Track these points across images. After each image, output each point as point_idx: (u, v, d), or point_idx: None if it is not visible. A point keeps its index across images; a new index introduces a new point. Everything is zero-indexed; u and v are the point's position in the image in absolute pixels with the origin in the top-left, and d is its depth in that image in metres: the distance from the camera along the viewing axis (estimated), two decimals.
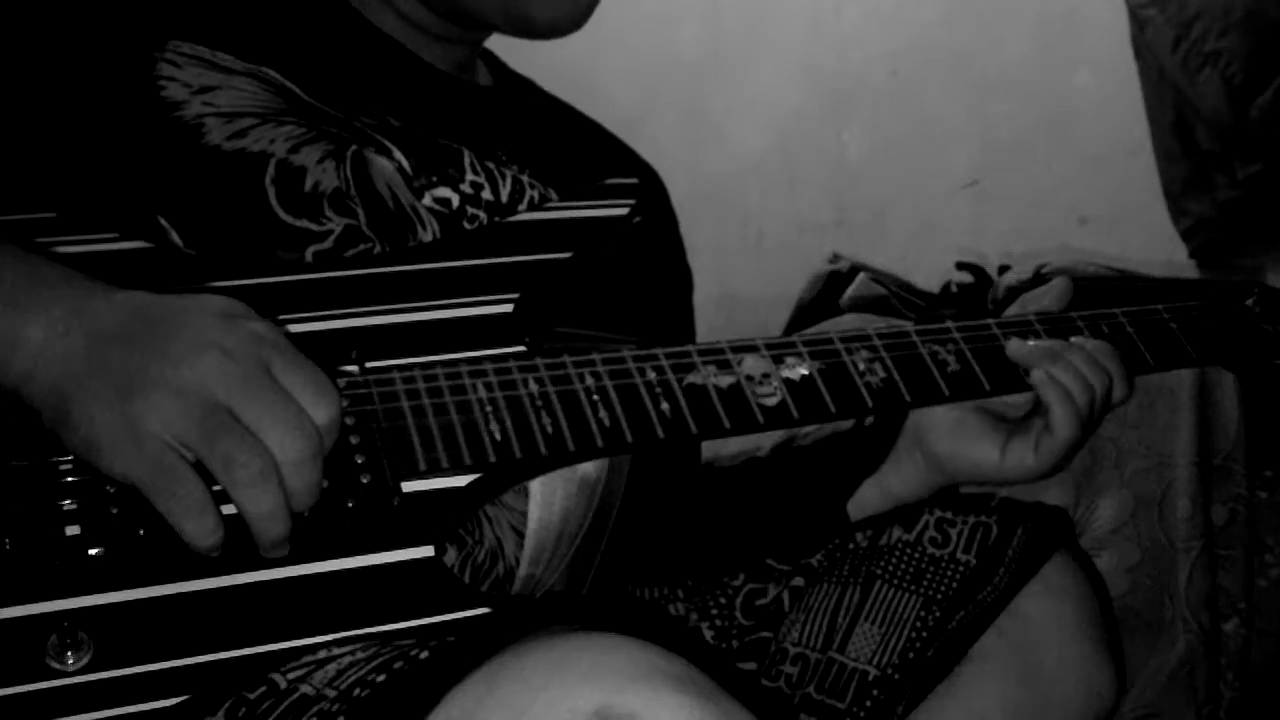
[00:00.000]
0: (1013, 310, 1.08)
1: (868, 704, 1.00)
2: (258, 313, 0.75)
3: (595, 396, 0.86)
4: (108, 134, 0.88)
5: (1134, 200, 2.23)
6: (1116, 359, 1.01)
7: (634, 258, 1.11)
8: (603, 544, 1.04)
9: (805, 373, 0.92)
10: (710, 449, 1.15)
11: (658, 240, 1.17)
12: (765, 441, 1.18)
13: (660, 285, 1.16)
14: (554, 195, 1.04)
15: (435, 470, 0.80)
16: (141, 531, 0.71)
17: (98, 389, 0.69)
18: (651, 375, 0.88)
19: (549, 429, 0.83)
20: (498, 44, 1.15)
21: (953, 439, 1.03)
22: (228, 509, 0.70)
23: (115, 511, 0.71)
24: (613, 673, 0.62)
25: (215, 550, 0.70)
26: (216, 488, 0.70)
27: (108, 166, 0.87)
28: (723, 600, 1.08)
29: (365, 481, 0.76)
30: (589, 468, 1.01)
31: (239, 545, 0.72)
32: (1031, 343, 1.00)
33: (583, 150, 1.15)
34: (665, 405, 0.87)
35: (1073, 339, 1.01)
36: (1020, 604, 1.01)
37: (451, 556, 0.90)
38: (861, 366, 0.94)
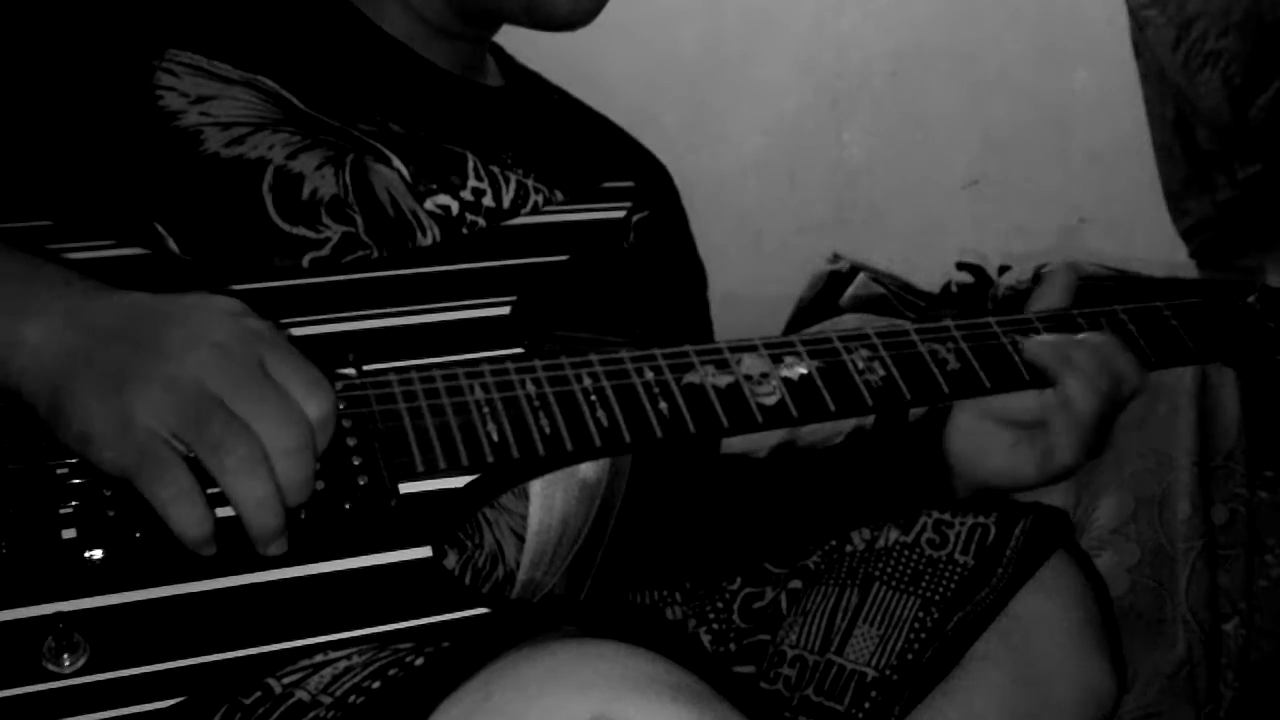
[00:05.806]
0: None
1: (866, 705, 0.99)
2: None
3: (593, 397, 0.85)
4: (105, 142, 0.88)
5: (1134, 200, 2.22)
6: (1124, 355, 0.99)
7: (643, 252, 1.10)
8: (603, 547, 1.03)
9: (804, 372, 0.92)
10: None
11: (666, 234, 1.17)
12: (768, 440, 1.17)
13: (670, 278, 1.16)
14: (559, 197, 1.04)
15: (432, 471, 0.80)
16: (138, 534, 0.71)
17: (92, 382, 0.69)
18: (649, 375, 0.88)
19: (546, 430, 0.83)
20: (502, 40, 1.14)
21: (965, 442, 1.03)
22: (225, 512, 0.70)
23: (112, 514, 0.71)
24: (609, 682, 0.61)
25: (206, 545, 0.70)
26: (213, 490, 0.69)
27: (105, 174, 0.87)
28: (720, 604, 1.08)
29: (362, 483, 0.76)
30: (589, 471, 1.00)
31: (236, 546, 0.71)
32: (1040, 337, 0.98)
33: (591, 149, 1.14)
34: (663, 405, 0.87)
35: (1079, 335, 0.99)
36: (1018, 605, 1.01)
37: (452, 560, 0.90)
38: (861, 365, 0.94)
